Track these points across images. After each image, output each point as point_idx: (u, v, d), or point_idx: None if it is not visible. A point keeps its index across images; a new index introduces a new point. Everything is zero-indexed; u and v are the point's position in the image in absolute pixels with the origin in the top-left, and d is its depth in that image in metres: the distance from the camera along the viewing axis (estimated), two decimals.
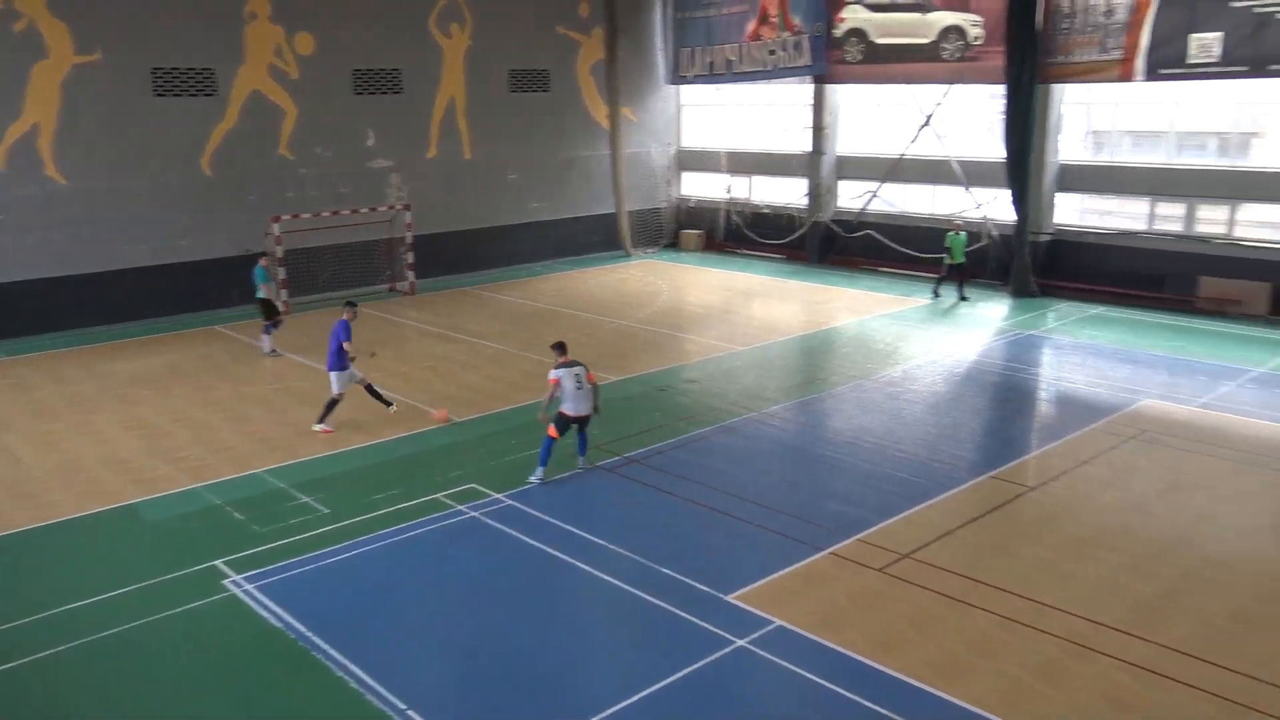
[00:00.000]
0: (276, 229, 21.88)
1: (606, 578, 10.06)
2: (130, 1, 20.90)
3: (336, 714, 7.98)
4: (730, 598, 9.58)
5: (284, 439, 14.26)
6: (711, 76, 30.16)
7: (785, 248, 29.35)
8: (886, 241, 27.08)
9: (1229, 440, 13.91)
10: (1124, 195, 23.76)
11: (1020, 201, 23.49)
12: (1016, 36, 22.89)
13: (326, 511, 11.68)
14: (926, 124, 25.88)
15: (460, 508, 11.76)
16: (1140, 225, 23.32)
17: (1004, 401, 16.25)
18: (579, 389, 12.31)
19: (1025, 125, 23.18)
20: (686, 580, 9.92)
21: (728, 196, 31.15)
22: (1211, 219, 22.34)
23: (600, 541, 10.83)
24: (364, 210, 24.35)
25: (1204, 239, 22.29)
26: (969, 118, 25.89)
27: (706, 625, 9.09)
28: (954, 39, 24.74)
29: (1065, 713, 7.81)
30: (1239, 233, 22.01)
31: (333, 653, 8.72)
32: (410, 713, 7.90)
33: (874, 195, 27.66)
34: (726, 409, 15.39)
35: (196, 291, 22.36)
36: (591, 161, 29.83)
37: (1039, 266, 23.87)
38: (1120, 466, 12.99)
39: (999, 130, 23.67)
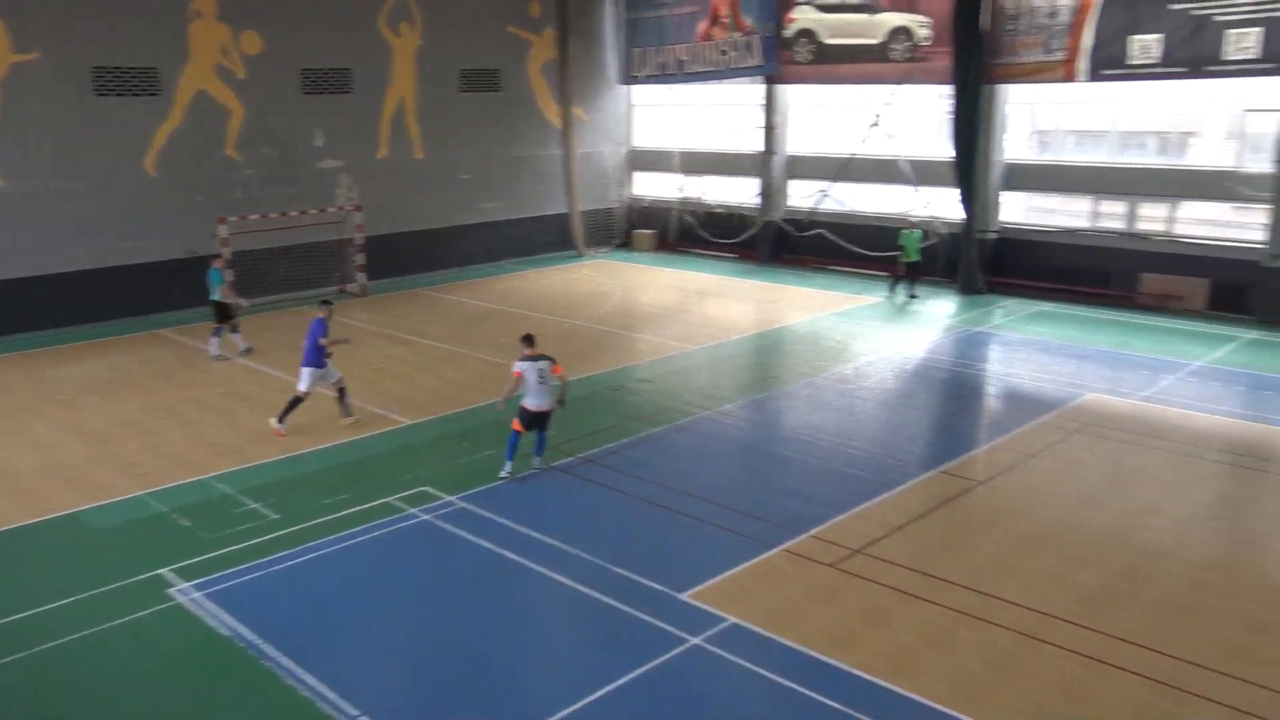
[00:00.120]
0: (223, 230, 21.54)
1: (560, 578, 10.04)
2: None
3: None
4: (684, 596, 9.60)
5: (232, 444, 14.04)
6: (663, 76, 30.22)
7: (737, 247, 29.49)
8: (838, 240, 27.31)
9: (1170, 433, 14.21)
10: (1068, 194, 24.21)
11: (968, 200, 23.82)
12: (963, 37, 23.22)
13: (275, 517, 11.52)
14: (875, 124, 26.14)
15: (412, 511, 11.67)
16: (1084, 223, 23.77)
17: (953, 397, 16.48)
18: (541, 383, 12.28)
19: (972, 125, 23.51)
20: (641, 579, 9.93)
21: (680, 196, 31.23)
22: (1152, 216, 22.83)
23: (554, 542, 10.80)
24: (313, 211, 24.06)
25: (1145, 236, 22.77)
26: (918, 117, 26.20)
27: (661, 624, 9.10)
28: (902, 40, 25.03)
29: (1015, 703, 7.94)
30: (1179, 230, 22.53)
31: (282, 660, 8.61)
32: (363, 719, 7.82)
33: (825, 195, 27.89)
34: (680, 408, 15.42)
35: (141, 294, 21.93)
36: (544, 161, 29.75)
37: (986, 264, 24.22)
38: (1066, 460, 13.22)
39: (947, 130, 23.98)
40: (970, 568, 10.20)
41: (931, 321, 21.51)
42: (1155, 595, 9.68)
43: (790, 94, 28.37)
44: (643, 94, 32.02)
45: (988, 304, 23.01)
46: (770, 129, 28.33)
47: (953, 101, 23.57)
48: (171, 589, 9.88)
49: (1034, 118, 25.00)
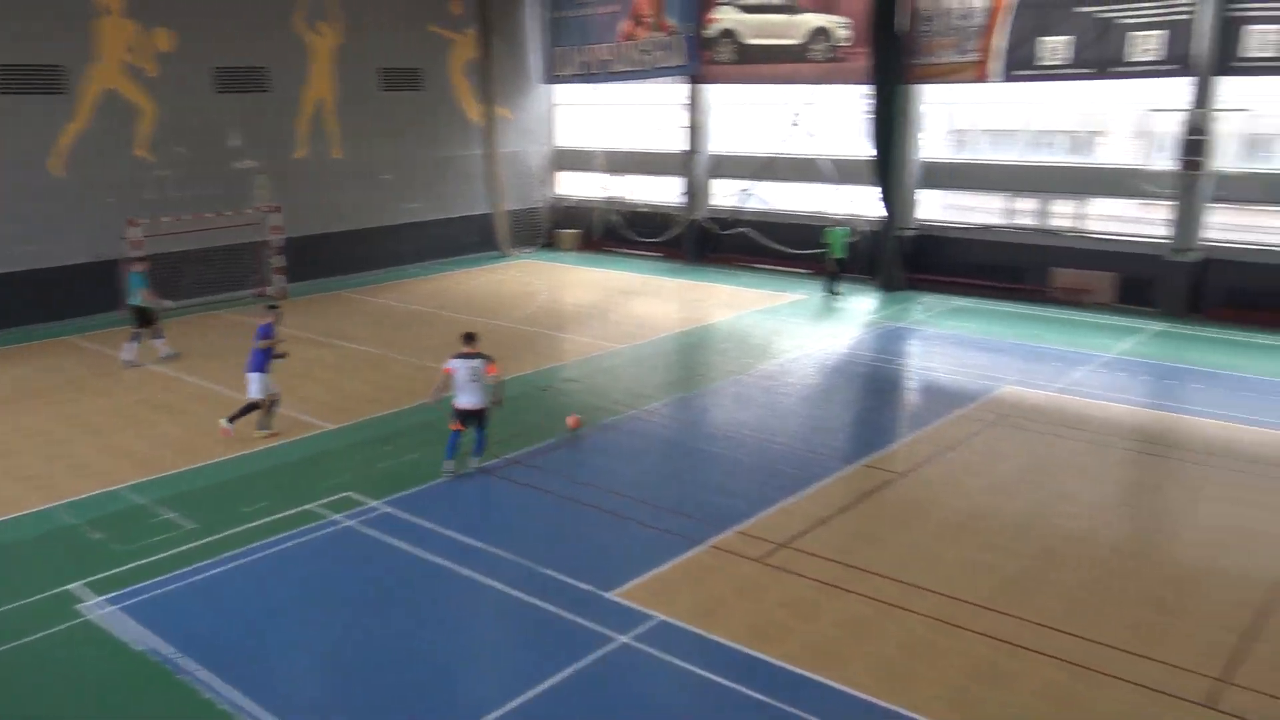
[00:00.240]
0: (135, 233, 20.92)
1: (487, 581, 9.97)
2: None
3: None
4: (612, 595, 9.61)
5: (145, 453, 13.64)
6: (586, 76, 30.20)
7: (662, 246, 29.60)
8: (761, 239, 27.60)
9: (1082, 422, 14.65)
10: (983, 191, 24.80)
11: (887, 198, 24.24)
12: (881, 38, 23.61)
13: (193, 526, 11.23)
14: (796, 123, 26.48)
15: (335, 517, 11.47)
16: (999, 220, 24.38)
17: (874, 392, 16.77)
18: (471, 381, 12.19)
19: (890, 124, 23.93)
20: (568, 580, 9.91)
21: (604, 195, 31.24)
22: (1063, 213, 23.52)
23: (480, 545, 10.72)
24: (229, 213, 23.51)
25: (1056, 232, 23.44)
26: (838, 117, 26.59)
27: (589, 624, 9.10)
28: (822, 40, 25.37)
29: (935, 689, 8.11)
30: (1088, 226, 23.24)
31: (201, 673, 8.39)
32: None
33: (748, 193, 28.15)
34: (607, 407, 15.43)
35: (47, 300, 21.19)
36: (467, 161, 29.51)
37: (906, 261, 24.68)
38: (983, 451, 13.55)
39: (866, 129, 24.36)
40: (892, 558, 10.39)
41: (854, 318, 21.85)
42: (1069, 580, 9.96)
43: (713, 93, 28.56)
44: (566, 93, 31.95)
45: (908, 300, 23.46)
46: (693, 128, 28.50)
47: (871, 101, 23.96)
48: (82, 604, 9.56)
49: (950, 117, 25.56)
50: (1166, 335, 19.87)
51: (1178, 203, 21.33)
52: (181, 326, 20.58)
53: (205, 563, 10.38)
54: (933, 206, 25.48)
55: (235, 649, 8.81)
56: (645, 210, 30.30)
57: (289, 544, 10.82)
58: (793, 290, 24.48)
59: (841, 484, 12.42)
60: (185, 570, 10.22)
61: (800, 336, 19.95)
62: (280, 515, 11.48)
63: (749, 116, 28.47)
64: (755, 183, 27.99)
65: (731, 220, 28.39)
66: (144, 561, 10.39)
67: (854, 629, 9.03)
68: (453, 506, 11.81)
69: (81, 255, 21.36)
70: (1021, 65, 22.35)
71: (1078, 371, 17.27)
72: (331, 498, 11.97)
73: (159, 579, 10.04)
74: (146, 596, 9.71)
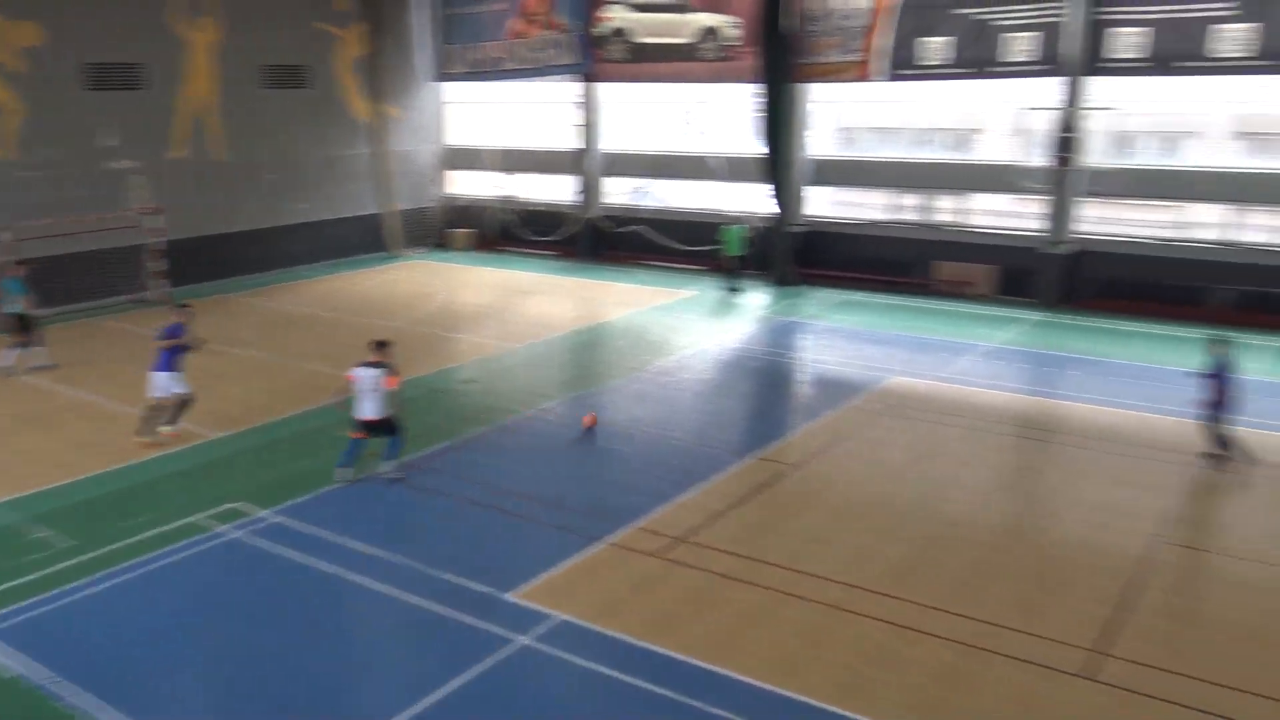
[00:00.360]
0: (6, 236, 19.88)
1: (381, 588, 9.80)
2: None
3: None
4: (511, 596, 9.56)
5: (14, 468, 12.98)
6: (477, 74, 29.92)
7: (557, 245, 29.53)
8: (656, 236, 27.77)
9: (965, 410, 15.17)
10: (869, 188, 25.45)
11: (778, 195, 24.65)
12: (769, 38, 23.99)
13: (70, 544, 10.74)
14: (689, 122, 26.73)
15: (221, 529, 11.12)
16: (885, 215, 25.04)
17: (768, 385, 17.07)
18: (371, 391, 11.97)
19: (778, 122, 24.34)
20: (466, 582, 9.82)
21: (498, 194, 31.00)
22: (945, 208, 24.30)
23: (374, 551, 10.53)
24: (104, 215, 22.54)
25: (939, 227, 24.21)
26: (730, 115, 26.93)
27: (488, 626, 9.03)
28: (712, 39, 25.66)
29: (830, 673, 8.30)
30: (969, 220, 24.06)
31: (82, 697, 8.04)
32: None
33: (643, 191, 28.31)
34: (504, 407, 15.33)
35: None
36: (356, 160, 28.92)
37: (797, 256, 25.15)
38: (873, 440, 13.91)
39: (757, 127, 24.72)
40: (786, 548, 10.59)
41: (747, 313, 22.18)
42: (955, 562, 10.31)
43: (606, 92, 28.61)
44: (457, 91, 31.59)
45: (799, 295, 23.91)
46: (586, 127, 28.50)
47: (761, 100, 24.33)
48: None
49: (837, 116, 26.14)
50: (1044, 325, 20.71)
51: (1052, 197, 22.25)
52: (57, 335, 19.63)
53: (83, 581, 9.94)
54: (822, 203, 26.03)
55: (117, 671, 8.47)
56: (539, 209, 30.19)
57: (173, 558, 10.45)
58: (688, 287, 24.70)
59: (737, 477, 12.60)
60: (61, 590, 9.77)
61: (695, 332, 20.15)
62: (164, 529, 11.07)
63: (642, 115, 28.62)
64: (649, 181, 28.17)
65: (626, 218, 28.50)
66: (15, 583, 9.89)
67: (751, 619, 9.17)
68: (346, 513, 11.57)
69: None
70: (903, 65, 23.00)
71: (961, 361, 17.87)
72: (218, 509, 11.60)
73: (32, 600, 9.57)
74: (21, 619, 9.25)
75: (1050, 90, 21.80)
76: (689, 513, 11.47)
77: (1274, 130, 21.62)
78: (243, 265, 25.97)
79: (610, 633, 8.92)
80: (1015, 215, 23.48)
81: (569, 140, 28.95)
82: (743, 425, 15.15)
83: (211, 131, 25.15)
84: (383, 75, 28.94)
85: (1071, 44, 21.18)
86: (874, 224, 25.03)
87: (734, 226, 23.86)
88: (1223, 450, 12.76)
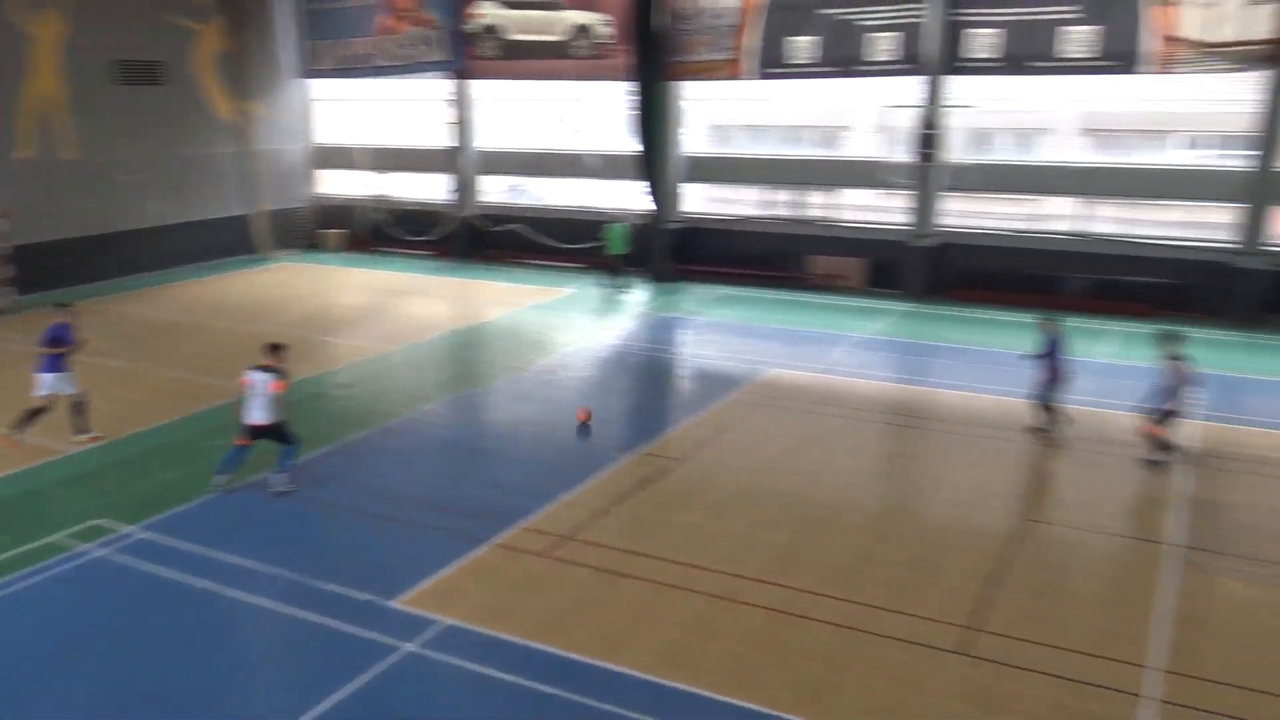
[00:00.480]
0: None
1: (260, 601, 9.50)
2: None
3: None
4: (396, 603, 9.39)
5: None
6: (345, 71, 29.22)
7: (432, 244, 29.11)
8: (533, 235, 27.66)
9: (841, 399, 15.61)
10: (743, 184, 25.91)
11: (654, 192, 24.86)
12: (641, 36, 24.15)
13: None
14: (563, 119, 26.70)
15: (84, 547, 10.58)
16: (758, 211, 25.54)
17: (650, 381, 17.21)
18: (256, 396, 11.63)
19: (652, 120, 24.53)
20: (349, 592, 9.60)
21: (370, 194, 30.37)
22: (817, 203, 24.93)
23: (250, 564, 10.19)
24: None
25: (811, 222, 24.83)
26: (604, 112, 27.02)
27: (373, 635, 8.85)
28: (584, 37, 25.68)
29: (717, 662, 8.43)
30: (838, 215, 24.75)
31: None
32: None
33: (518, 190, 28.15)
34: (383, 411, 15.03)
35: None
36: (220, 159, 27.88)
37: (674, 253, 25.41)
38: (753, 432, 14.18)
39: (631, 125, 24.86)
40: (672, 541, 10.71)
41: (626, 310, 22.31)
42: (835, 547, 10.61)
43: (480, 89, 28.32)
44: (326, 88, 30.77)
45: (677, 290, 24.17)
46: (460, 125, 28.16)
47: (635, 97, 24.48)
48: None
49: (710, 113, 26.51)
50: (912, 315, 21.47)
51: (916, 192, 23.07)
52: None
53: None
54: (697, 200, 26.37)
55: None
56: (413, 208, 29.70)
57: (31, 581, 9.88)
58: (566, 285, 24.69)
59: (621, 473, 12.66)
60: None
61: (575, 330, 20.16)
62: (19, 551, 10.45)
63: (517, 112, 28.45)
64: (525, 179, 28.03)
65: (502, 217, 28.29)
66: None
67: (639, 614, 9.24)
68: (218, 526, 11.16)
69: None
70: (772, 64, 23.49)
71: (835, 352, 18.38)
72: (79, 526, 11.03)
73: None
74: None
75: (912, 89, 22.59)
76: (574, 511, 11.48)
77: (1117, 127, 22.90)
78: (100, 270, 24.75)
79: (499, 635, 8.86)
80: (883, 210, 24.27)
81: (442, 138, 28.55)
82: (625, 422, 15.24)
83: (60, 130, 23.86)
84: (245, 72, 27.98)
85: (931, 44, 22.00)
86: (749, 220, 25.50)
87: (616, 225, 23.94)
88: (1048, 424, 13.64)
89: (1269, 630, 8.94)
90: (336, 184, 31.18)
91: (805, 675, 8.26)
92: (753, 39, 23.57)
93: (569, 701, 7.92)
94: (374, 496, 11.89)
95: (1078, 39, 20.73)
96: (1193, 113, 22.13)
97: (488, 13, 26.76)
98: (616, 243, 23.76)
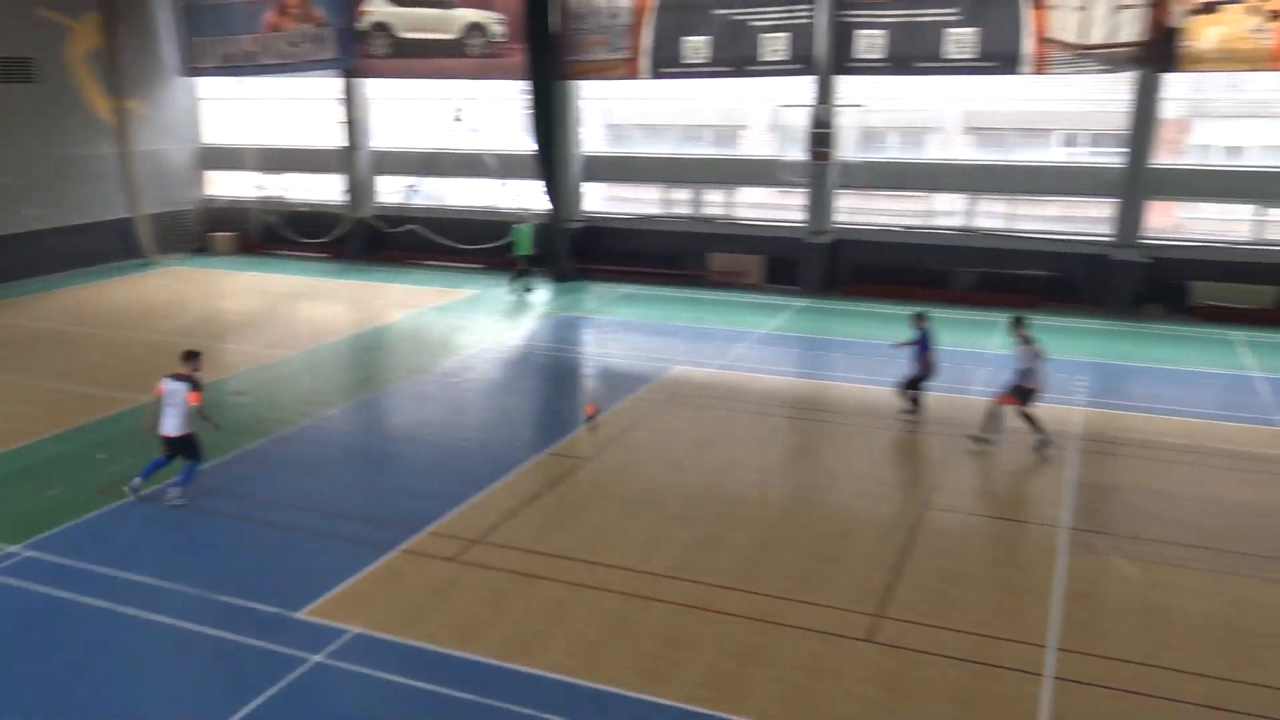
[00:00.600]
0: None
1: (156, 618, 9.15)
2: None
3: None
4: (302, 614, 9.17)
5: None
6: (231, 68, 28.34)
7: (327, 246, 28.49)
8: (431, 235, 27.31)
9: (744, 395, 15.84)
10: (641, 183, 26.05)
11: (551, 191, 24.78)
12: (535, 35, 24.04)
13: None
14: (458, 119, 26.43)
15: None
16: (658, 210, 25.71)
17: (555, 381, 17.18)
18: (170, 405, 11.25)
19: (549, 119, 24.46)
20: (251, 604, 9.34)
21: (260, 195, 29.54)
22: (714, 202, 25.23)
23: (146, 580, 9.82)
24: None
25: (709, 220, 25.11)
26: (501, 112, 26.82)
27: (278, 647, 8.63)
28: (478, 36, 25.44)
29: (629, 659, 8.47)
30: (736, 213, 25.09)
31: None
32: None
33: (414, 190, 27.75)
34: (281, 418, 14.64)
35: None
36: (98, 161, 26.73)
37: (575, 251, 25.40)
38: (659, 429, 14.28)
39: (527, 124, 24.73)
40: (582, 541, 10.71)
41: (529, 310, 22.22)
42: (742, 541, 10.76)
43: (372, 88, 27.81)
44: (211, 86, 29.81)
45: (579, 289, 24.17)
46: (352, 124, 27.60)
47: (530, 97, 24.36)
48: None
49: (607, 112, 26.57)
50: (809, 310, 21.91)
51: (810, 190, 23.53)
52: None
53: None
54: (597, 199, 26.42)
55: None
56: (306, 209, 29.00)
57: None
58: (467, 286, 24.45)
59: (529, 474, 12.61)
60: None
61: (478, 331, 19.99)
62: None
63: (413, 112, 28.04)
64: (422, 179, 27.63)
65: (400, 218, 27.85)
66: None
67: (551, 615, 9.22)
68: (110, 542, 10.72)
69: None
70: (667, 63, 23.65)
71: (737, 348, 18.63)
72: None
73: None
74: None
75: (805, 88, 23.03)
76: (482, 514, 11.39)
77: (1000, 126, 23.73)
78: None
79: (409, 642, 8.73)
80: (780, 208, 24.70)
81: (334, 138, 27.95)
82: (531, 422, 15.18)
83: None
84: (123, 69, 26.85)
85: (820, 45, 22.46)
86: (649, 218, 25.65)
87: (524, 225, 23.72)
88: (913, 408, 14.44)
89: (1154, 606, 9.41)
90: (227, 185, 30.24)
91: (719, 668, 8.36)
92: (647, 39, 23.70)
93: (483, 706, 7.85)
94: (275, 507, 11.58)
95: (961, 41, 21.43)
96: (1071, 112, 23.10)
97: (378, 10, 26.28)
98: (524, 243, 23.58)
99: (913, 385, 14.45)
